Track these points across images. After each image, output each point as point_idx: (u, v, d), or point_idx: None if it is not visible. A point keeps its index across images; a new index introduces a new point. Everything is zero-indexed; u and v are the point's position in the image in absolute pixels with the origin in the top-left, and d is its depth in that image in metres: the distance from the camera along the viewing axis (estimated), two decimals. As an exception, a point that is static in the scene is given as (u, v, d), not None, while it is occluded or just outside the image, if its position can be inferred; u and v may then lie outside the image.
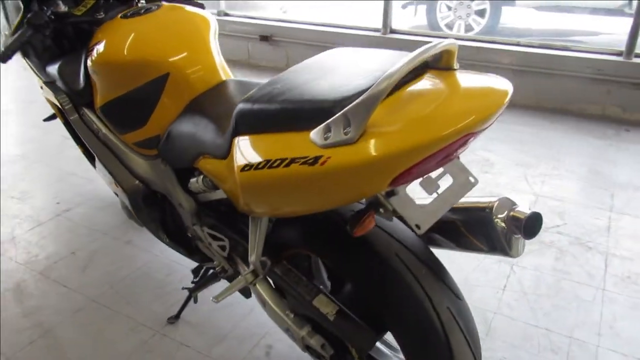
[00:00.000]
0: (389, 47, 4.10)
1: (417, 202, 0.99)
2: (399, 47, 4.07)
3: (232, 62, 4.80)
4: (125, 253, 2.15)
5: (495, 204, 1.09)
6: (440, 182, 1.00)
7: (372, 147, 0.81)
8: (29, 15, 1.62)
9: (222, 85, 1.46)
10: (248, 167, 0.97)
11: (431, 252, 1.15)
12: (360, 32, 4.24)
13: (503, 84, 0.90)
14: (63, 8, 1.66)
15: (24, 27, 1.60)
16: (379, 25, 4.15)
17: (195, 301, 1.71)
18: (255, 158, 0.97)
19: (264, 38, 4.62)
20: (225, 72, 1.54)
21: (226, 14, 4.91)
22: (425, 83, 0.93)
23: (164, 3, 1.62)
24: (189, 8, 1.63)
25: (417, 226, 0.94)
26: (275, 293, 1.34)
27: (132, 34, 1.44)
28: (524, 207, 1.09)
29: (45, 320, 1.80)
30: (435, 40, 0.91)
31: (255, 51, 4.77)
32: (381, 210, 0.96)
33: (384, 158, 0.80)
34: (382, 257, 1.09)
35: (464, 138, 0.83)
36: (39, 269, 2.05)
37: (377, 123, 0.84)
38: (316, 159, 0.85)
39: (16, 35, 1.59)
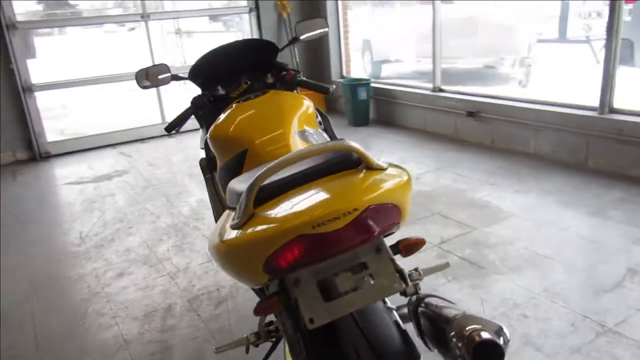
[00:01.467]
0: (604, 130, 3.58)
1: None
2: (616, 130, 3.53)
3: (438, 136, 4.89)
4: (254, 297, 2.44)
5: (458, 317, 0.96)
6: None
7: (241, 233, 0.87)
8: (192, 98, 2.10)
9: None
10: (212, 235, 1.10)
11: (404, 353, 1.06)
12: (572, 112, 3.83)
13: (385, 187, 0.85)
14: (221, 92, 2.10)
15: (189, 106, 2.08)
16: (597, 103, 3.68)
17: (247, 352, 1.85)
18: (215, 229, 1.10)
19: (471, 114, 4.57)
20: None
21: (441, 90, 5.05)
22: (334, 179, 0.94)
23: (271, 90, 1.90)
24: (289, 93, 1.86)
25: (310, 320, 0.92)
26: None
27: (232, 116, 1.74)
28: (494, 331, 0.93)
29: (171, 339, 2.19)
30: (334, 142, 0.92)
31: (462, 126, 4.75)
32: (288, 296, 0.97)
33: (244, 244, 0.85)
34: (340, 346, 1.06)
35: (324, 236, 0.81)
36: (188, 297, 2.50)
37: (265, 212, 0.89)
38: (223, 238, 0.94)
39: (180, 113, 2.08)
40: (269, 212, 0.90)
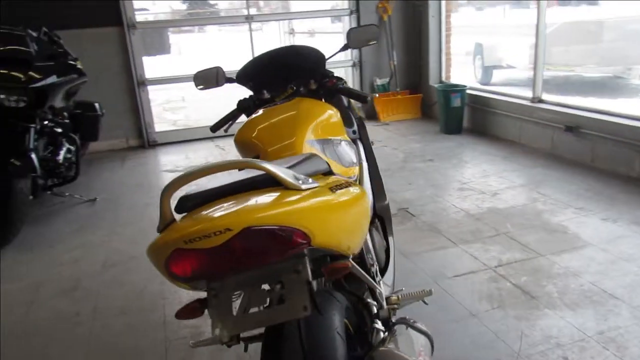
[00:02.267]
0: None
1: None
2: None
3: (532, 151, 4.55)
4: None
5: (380, 351, 0.92)
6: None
7: (155, 239, 0.91)
8: (239, 100, 2.19)
9: None
10: None
11: None
12: (687, 133, 3.33)
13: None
14: (267, 96, 2.17)
15: (235, 108, 2.18)
16: None
17: (245, 350, 1.88)
18: None
19: (569, 129, 4.18)
20: None
21: (540, 100, 4.67)
22: (247, 196, 0.93)
23: (298, 97, 1.91)
24: (313, 101, 1.87)
25: (217, 331, 0.93)
26: None
27: (253, 121, 1.78)
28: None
29: (204, 326, 2.31)
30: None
31: (559, 142, 4.35)
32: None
33: (149, 251, 0.89)
34: (280, 354, 1.06)
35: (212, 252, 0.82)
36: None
37: (179, 221, 0.93)
38: None
39: (226, 114, 2.18)
40: (179, 222, 0.93)
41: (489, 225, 3.13)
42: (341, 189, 1.01)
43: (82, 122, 4.59)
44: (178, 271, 0.89)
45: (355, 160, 1.92)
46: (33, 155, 3.34)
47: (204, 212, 0.91)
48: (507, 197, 3.57)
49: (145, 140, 5.78)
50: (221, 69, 2.30)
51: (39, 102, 3.37)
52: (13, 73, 3.25)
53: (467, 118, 5.50)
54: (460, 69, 6.56)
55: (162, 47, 13.97)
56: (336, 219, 0.97)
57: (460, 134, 5.41)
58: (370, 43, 2.28)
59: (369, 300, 1.38)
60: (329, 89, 2.15)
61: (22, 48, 3.36)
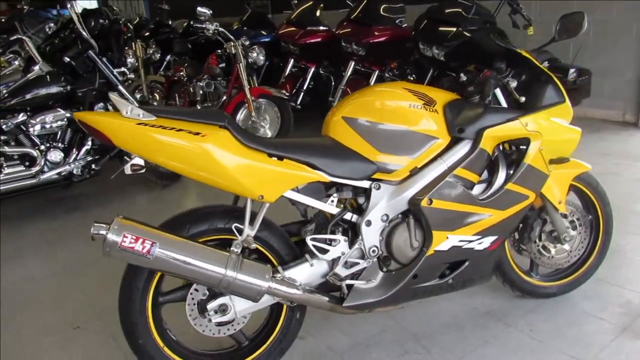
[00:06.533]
0: None
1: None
2: None
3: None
4: None
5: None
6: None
7: None
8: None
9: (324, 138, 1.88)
10: None
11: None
12: None
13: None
14: (463, 79, 2.12)
15: None
16: None
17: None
18: None
19: None
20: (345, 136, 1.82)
21: None
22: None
23: (398, 82, 1.88)
24: (403, 89, 1.89)
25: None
26: None
27: (354, 92, 1.99)
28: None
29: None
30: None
31: None
32: None
33: None
34: None
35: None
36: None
37: None
38: None
39: None
40: None
41: None
42: (160, 129, 1.47)
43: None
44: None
45: (409, 152, 1.83)
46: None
47: None
48: None
49: (640, 119, 4.91)
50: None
51: (455, 58, 3.90)
52: (443, 30, 3.88)
53: None
54: None
55: None
56: (130, 137, 1.46)
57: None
58: (577, 34, 2.03)
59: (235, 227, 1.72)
60: (481, 80, 2.00)
61: (459, 11, 3.87)
